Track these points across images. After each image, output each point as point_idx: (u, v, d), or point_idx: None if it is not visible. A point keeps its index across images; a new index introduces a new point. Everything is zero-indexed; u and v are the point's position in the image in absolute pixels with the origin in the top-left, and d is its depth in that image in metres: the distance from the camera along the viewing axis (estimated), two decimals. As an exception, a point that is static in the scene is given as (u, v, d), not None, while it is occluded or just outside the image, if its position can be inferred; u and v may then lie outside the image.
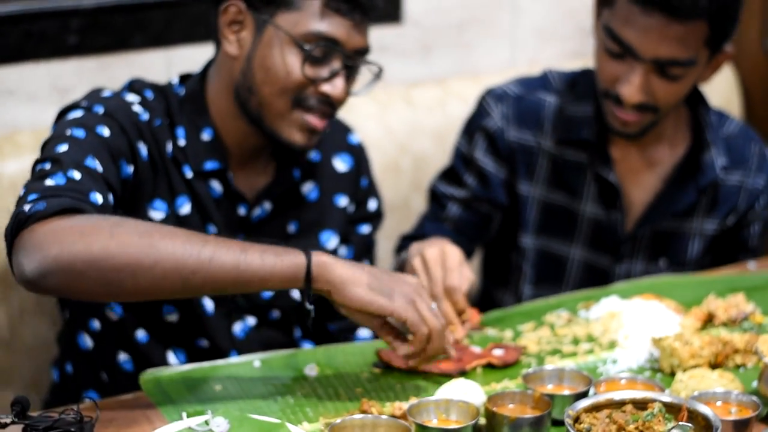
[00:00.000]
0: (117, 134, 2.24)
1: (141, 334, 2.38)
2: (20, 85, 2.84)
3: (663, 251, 2.77)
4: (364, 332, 2.53)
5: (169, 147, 2.34)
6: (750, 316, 2.40)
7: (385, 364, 2.22)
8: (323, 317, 2.50)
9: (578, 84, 2.76)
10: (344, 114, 2.57)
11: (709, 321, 2.39)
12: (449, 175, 2.83)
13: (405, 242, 2.77)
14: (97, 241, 1.93)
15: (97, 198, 2.07)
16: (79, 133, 2.18)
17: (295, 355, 2.26)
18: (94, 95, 2.32)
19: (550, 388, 2.09)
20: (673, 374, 2.17)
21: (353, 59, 2.32)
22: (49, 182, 2.05)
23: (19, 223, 1.97)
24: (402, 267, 2.50)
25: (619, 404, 1.90)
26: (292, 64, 2.28)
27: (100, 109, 2.26)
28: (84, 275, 1.93)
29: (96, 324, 2.40)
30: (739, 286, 2.52)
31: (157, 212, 2.33)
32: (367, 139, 2.76)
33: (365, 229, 2.59)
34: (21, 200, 2.02)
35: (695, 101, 2.75)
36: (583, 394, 2.02)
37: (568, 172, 2.74)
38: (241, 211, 2.41)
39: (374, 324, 2.07)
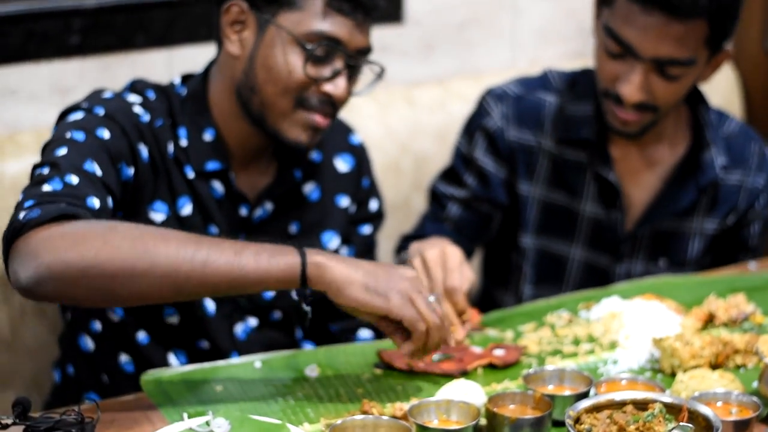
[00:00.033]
0: (117, 136, 2.24)
1: (142, 336, 2.38)
2: (22, 85, 2.84)
3: (663, 251, 2.77)
4: (365, 333, 2.54)
5: (171, 147, 2.34)
6: (750, 317, 2.40)
7: (386, 365, 2.22)
8: (324, 318, 2.51)
9: (578, 84, 2.77)
10: (345, 114, 2.58)
11: (709, 321, 2.39)
12: (449, 175, 2.83)
13: (405, 242, 2.77)
14: (90, 248, 1.93)
15: (94, 203, 2.07)
16: (79, 136, 2.18)
17: (296, 355, 2.26)
18: (95, 96, 2.32)
19: (550, 388, 2.09)
20: (673, 375, 2.17)
21: (355, 59, 2.32)
22: (46, 188, 2.05)
23: (14, 230, 1.97)
24: (402, 268, 2.50)
25: (620, 405, 1.90)
26: (294, 63, 2.28)
27: (100, 111, 2.26)
28: (78, 282, 1.94)
29: (97, 325, 2.40)
30: (739, 287, 2.52)
31: (158, 214, 2.33)
32: (368, 139, 2.76)
33: (366, 229, 2.59)
34: (18, 207, 2.03)
35: (695, 101, 2.75)
36: (584, 395, 2.03)
37: (568, 171, 2.74)
38: (243, 211, 2.41)
39: (374, 319, 2.07)
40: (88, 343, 2.42)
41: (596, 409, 1.90)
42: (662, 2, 2.46)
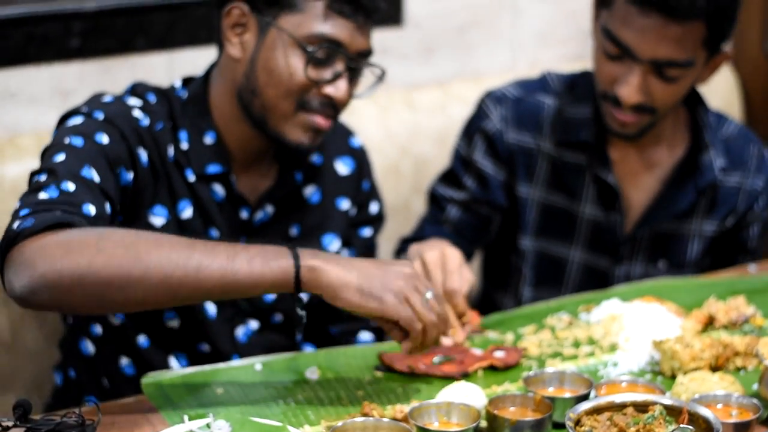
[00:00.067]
0: (116, 141, 2.24)
1: (142, 340, 2.38)
2: (22, 87, 2.84)
3: (662, 252, 2.77)
4: (365, 335, 2.54)
5: (171, 151, 2.34)
6: (750, 319, 2.40)
7: (386, 368, 2.22)
8: (324, 320, 2.51)
9: (577, 86, 2.77)
10: (345, 117, 2.58)
11: (709, 324, 2.39)
12: (448, 177, 2.83)
13: (405, 245, 2.77)
14: (83, 256, 1.93)
15: (90, 209, 2.07)
16: (78, 141, 2.18)
17: (297, 358, 2.26)
18: (95, 100, 2.32)
19: (551, 390, 2.09)
20: (673, 377, 2.17)
21: (356, 61, 2.32)
22: (42, 195, 2.06)
23: (9, 240, 1.98)
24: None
25: (620, 407, 1.90)
26: (295, 65, 2.28)
27: (100, 115, 2.26)
28: (73, 290, 1.94)
29: (98, 329, 2.40)
30: (739, 289, 2.52)
31: (158, 218, 2.33)
32: (368, 142, 2.76)
33: (367, 232, 2.59)
34: (14, 215, 2.03)
35: (694, 102, 2.76)
36: (584, 397, 2.03)
37: (567, 173, 2.75)
38: (244, 214, 2.41)
39: (373, 318, 2.07)
40: (89, 347, 2.42)
41: (597, 411, 1.90)
42: (660, 4, 2.46)
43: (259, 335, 2.45)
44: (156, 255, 1.95)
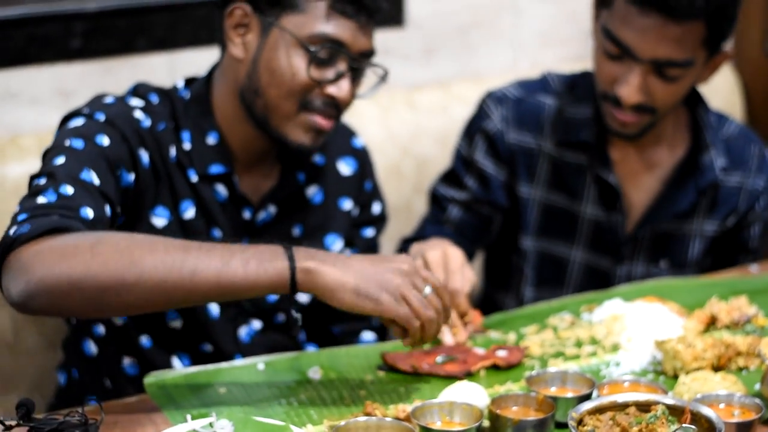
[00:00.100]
0: (117, 143, 2.24)
1: (145, 340, 2.38)
2: (24, 88, 2.84)
3: (664, 252, 2.77)
4: (368, 335, 2.54)
5: (173, 151, 2.34)
6: (753, 319, 2.40)
7: (389, 367, 2.22)
8: (327, 320, 2.51)
9: (577, 86, 2.77)
10: (346, 117, 2.58)
11: (711, 324, 2.40)
12: (450, 177, 2.83)
13: (406, 245, 2.77)
14: (78, 262, 1.93)
15: (88, 213, 2.07)
16: (78, 143, 2.18)
17: (299, 358, 2.26)
18: (97, 102, 2.32)
19: (553, 390, 2.09)
20: (676, 377, 2.18)
21: (359, 61, 2.32)
22: (40, 200, 2.06)
23: (5, 246, 1.98)
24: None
25: (623, 406, 1.90)
26: (297, 65, 2.28)
27: (101, 117, 2.26)
28: (69, 296, 1.94)
29: (100, 329, 2.40)
30: (741, 289, 2.52)
31: (160, 219, 2.33)
32: (370, 142, 2.76)
33: (369, 232, 2.59)
34: (12, 220, 2.04)
35: (694, 103, 2.76)
36: (587, 397, 2.03)
37: (568, 173, 2.75)
38: (246, 214, 2.41)
39: (372, 316, 2.07)
40: (92, 348, 2.42)
41: (599, 410, 1.90)
42: (659, 4, 2.46)
43: (262, 335, 2.45)
44: (150, 259, 1.95)
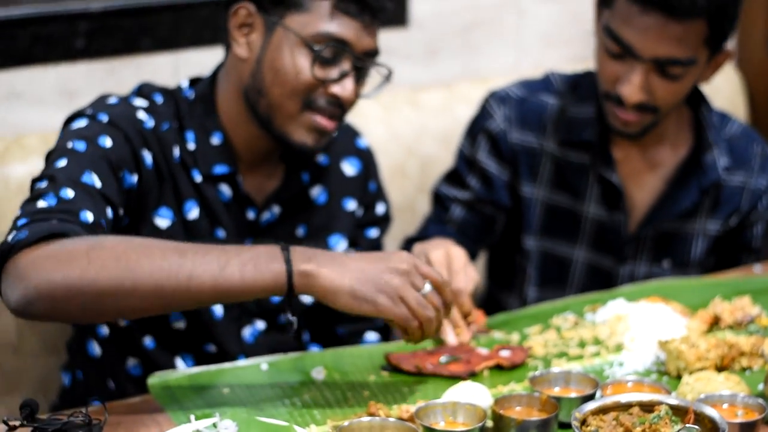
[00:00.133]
0: (120, 144, 2.24)
1: (148, 341, 2.38)
2: (28, 88, 2.84)
3: (666, 252, 2.78)
4: (371, 336, 2.54)
5: (177, 152, 2.35)
6: (756, 319, 2.40)
7: (393, 368, 2.23)
8: (331, 321, 2.51)
9: (580, 86, 2.78)
10: (350, 117, 2.58)
11: (715, 324, 2.40)
12: (452, 177, 2.84)
13: (409, 245, 2.77)
14: (75, 268, 1.93)
15: (88, 217, 2.07)
16: (80, 146, 2.18)
17: (303, 358, 2.26)
18: (100, 102, 2.32)
19: (556, 390, 2.09)
20: (679, 377, 2.18)
21: (363, 61, 2.32)
22: (40, 204, 2.06)
23: (4, 253, 1.98)
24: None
25: (626, 407, 1.90)
26: (301, 65, 2.28)
27: (104, 118, 2.26)
28: (66, 302, 1.94)
29: (104, 330, 2.40)
30: (745, 289, 2.52)
31: (164, 220, 2.33)
32: (374, 143, 2.77)
33: (373, 232, 2.59)
34: (13, 224, 2.04)
35: (697, 102, 2.76)
36: (590, 397, 2.03)
37: (570, 173, 2.75)
38: (250, 215, 2.41)
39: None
40: (96, 349, 2.42)
41: (602, 411, 1.90)
42: (661, 2, 2.47)
43: (266, 335, 2.45)
44: (147, 264, 1.95)
